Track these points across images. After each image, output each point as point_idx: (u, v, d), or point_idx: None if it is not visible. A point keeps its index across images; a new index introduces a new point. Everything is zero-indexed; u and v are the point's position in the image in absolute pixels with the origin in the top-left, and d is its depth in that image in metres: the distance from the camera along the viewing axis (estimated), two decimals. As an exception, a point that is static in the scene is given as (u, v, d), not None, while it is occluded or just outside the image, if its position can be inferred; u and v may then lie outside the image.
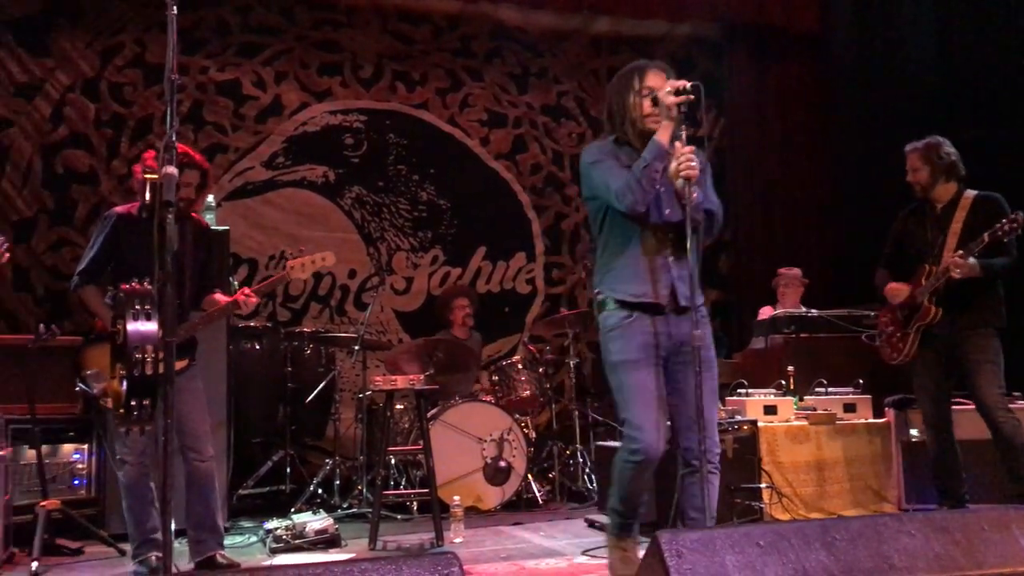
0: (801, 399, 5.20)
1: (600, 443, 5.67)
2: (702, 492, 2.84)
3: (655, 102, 3.11)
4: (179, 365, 3.93)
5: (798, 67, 8.04)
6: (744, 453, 4.64)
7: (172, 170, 2.38)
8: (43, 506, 4.36)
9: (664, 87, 3.12)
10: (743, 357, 6.13)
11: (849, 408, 5.21)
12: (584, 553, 4.28)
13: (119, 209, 4.13)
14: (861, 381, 5.35)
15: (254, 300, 4.06)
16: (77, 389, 4.19)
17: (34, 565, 4.09)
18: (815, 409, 5.10)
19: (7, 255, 3.65)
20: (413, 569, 1.80)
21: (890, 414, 5.18)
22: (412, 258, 7.36)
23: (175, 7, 2.50)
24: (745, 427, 4.69)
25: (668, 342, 3.13)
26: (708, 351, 3.13)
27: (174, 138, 2.42)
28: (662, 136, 3.05)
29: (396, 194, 7.33)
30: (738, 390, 5.19)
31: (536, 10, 7.43)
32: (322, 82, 7.19)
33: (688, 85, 3.01)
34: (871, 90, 7.38)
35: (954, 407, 4.51)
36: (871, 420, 5.19)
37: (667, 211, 3.14)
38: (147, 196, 3.74)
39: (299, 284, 6.98)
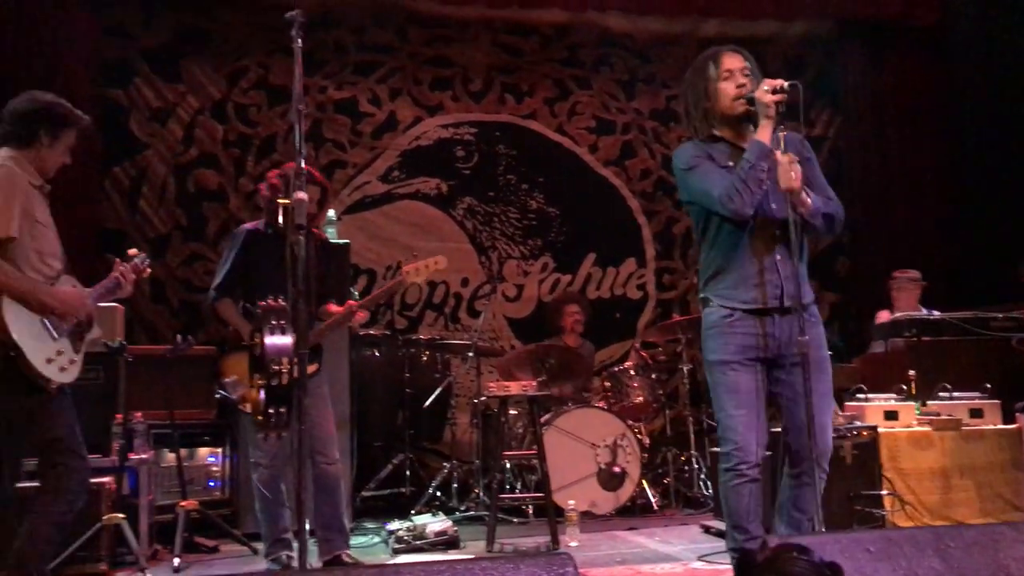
0: (924, 404, 5.04)
1: (715, 449, 5.63)
2: (811, 496, 2.80)
3: (751, 102, 3.07)
4: (310, 370, 4.16)
5: (917, 61, 7.77)
6: (864, 459, 4.54)
7: (302, 195, 2.53)
8: (182, 506, 4.64)
9: (739, 66, 3.10)
10: (862, 361, 5.98)
11: (976, 413, 5.01)
12: (700, 559, 4.28)
13: (247, 226, 4.39)
14: (989, 386, 5.15)
15: (362, 315, 4.28)
16: (217, 395, 4.47)
17: (176, 561, 4.38)
18: (939, 414, 4.95)
19: (148, 271, 3.91)
20: (530, 568, 1.88)
21: (1022, 420, 4.97)
22: (523, 266, 7.47)
23: (300, 40, 2.64)
24: (865, 433, 4.60)
25: (774, 343, 3.06)
26: (819, 350, 3.06)
27: (303, 164, 2.57)
28: (763, 135, 2.98)
29: (506, 203, 7.46)
30: (857, 395, 5.08)
31: (643, 16, 7.43)
32: (434, 97, 7.39)
33: (785, 84, 2.97)
34: (996, 82, 7.08)
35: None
36: (1000, 426, 4.99)
37: (774, 206, 3.05)
38: (279, 219, 3.97)
39: (415, 293, 7.18)
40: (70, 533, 3.99)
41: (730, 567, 3.96)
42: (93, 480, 4.29)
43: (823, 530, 2.91)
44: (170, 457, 5.11)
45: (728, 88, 3.10)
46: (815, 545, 1.59)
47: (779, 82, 2.98)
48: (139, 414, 4.74)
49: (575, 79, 7.68)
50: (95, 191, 6.55)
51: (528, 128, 7.56)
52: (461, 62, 7.46)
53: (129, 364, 4.68)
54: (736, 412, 3.03)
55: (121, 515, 4.28)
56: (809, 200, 2.96)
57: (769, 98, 2.97)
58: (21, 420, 3.28)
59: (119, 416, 4.61)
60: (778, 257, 3.05)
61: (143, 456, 4.66)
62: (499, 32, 7.53)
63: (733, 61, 3.13)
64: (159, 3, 6.74)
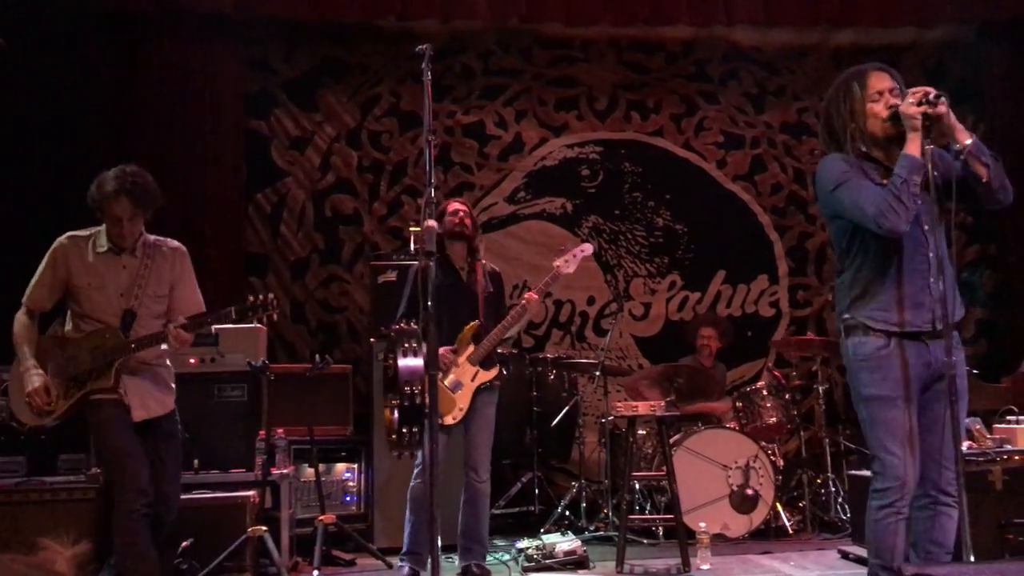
0: (1083, 427, 4.73)
1: (853, 472, 5.44)
2: (949, 527, 2.69)
3: (895, 117, 2.97)
4: (489, 376, 4.46)
5: (1068, 62, 7.34)
6: (1016, 485, 4.28)
7: (432, 223, 2.63)
8: (321, 520, 4.81)
9: (888, 86, 2.99)
10: (1012, 381, 5.65)
11: None
12: (837, 586, 4.15)
13: None
14: None
15: (536, 298, 4.49)
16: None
17: (315, 574, 4.54)
18: (1100, 439, 4.62)
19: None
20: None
21: None
22: (649, 284, 7.41)
23: (429, 73, 2.73)
24: (1017, 457, 4.35)
25: (925, 372, 2.95)
26: (961, 380, 2.95)
27: (433, 194, 2.66)
28: (913, 149, 2.88)
29: (632, 221, 7.43)
30: (1007, 417, 4.81)
31: (772, 28, 7.28)
32: (559, 117, 7.44)
33: (932, 94, 2.87)
34: None
35: None
36: None
37: (926, 227, 2.96)
38: (446, 250, 4.31)
39: (541, 312, 7.19)
40: (218, 544, 4.25)
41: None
42: (239, 494, 4.53)
43: (971, 559, 2.78)
44: (309, 472, 5.31)
45: (879, 110, 3.00)
46: (956, 578, 1.52)
47: (923, 90, 2.88)
48: (280, 430, 4.95)
49: (702, 94, 7.59)
50: (240, 217, 6.90)
51: (654, 145, 7.52)
52: (586, 81, 7.49)
53: (271, 382, 4.89)
54: (898, 450, 2.94)
55: (263, 527, 4.45)
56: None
57: (914, 110, 2.87)
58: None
59: (262, 432, 4.82)
60: (931, 280, 2.93)
61: (284, 471, 4.86)
62: (624, 50, 7.52)
63: (881, 81, 3.03)
64: (299, 36, 7.05)
